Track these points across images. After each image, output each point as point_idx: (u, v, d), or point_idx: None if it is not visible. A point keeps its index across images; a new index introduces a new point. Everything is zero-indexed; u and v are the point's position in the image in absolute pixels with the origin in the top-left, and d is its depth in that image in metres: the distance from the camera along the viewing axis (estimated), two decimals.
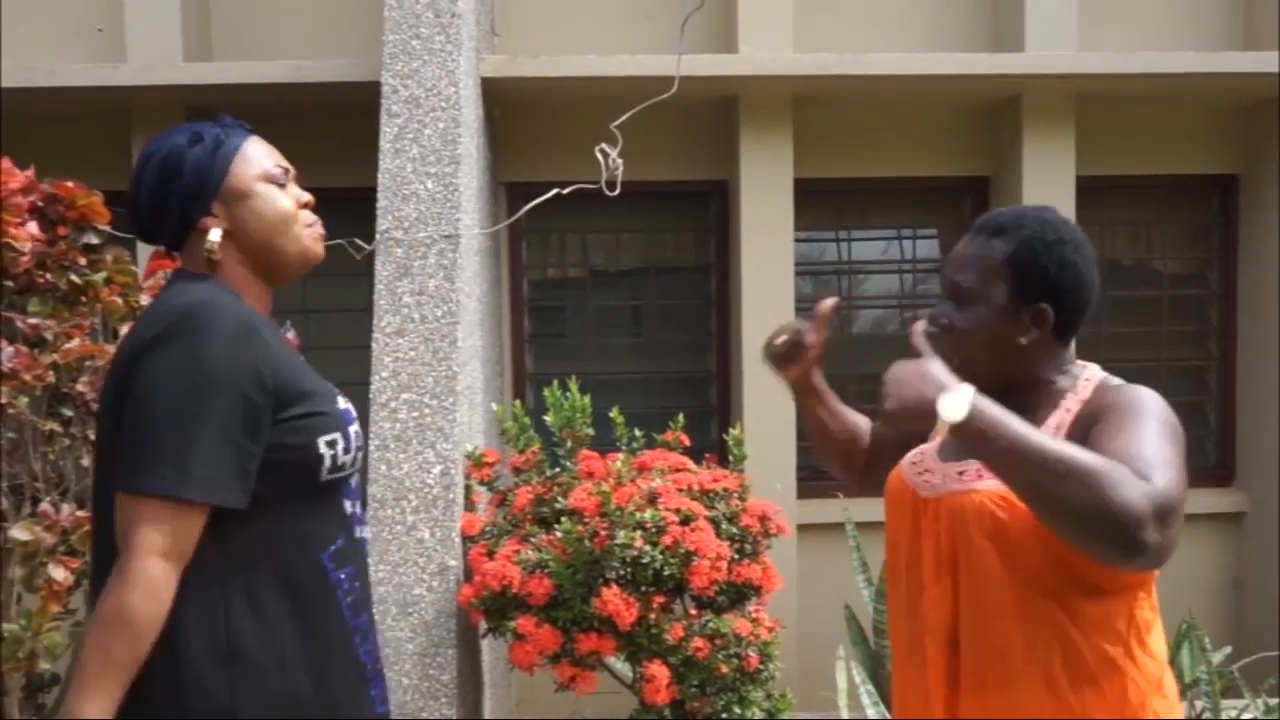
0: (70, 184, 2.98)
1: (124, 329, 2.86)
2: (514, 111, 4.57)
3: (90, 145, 4.41)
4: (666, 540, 2.98)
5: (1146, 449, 1.40)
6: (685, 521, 3.05)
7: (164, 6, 4.31)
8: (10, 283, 2.81)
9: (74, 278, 2.93)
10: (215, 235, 1.55)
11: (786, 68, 4.30)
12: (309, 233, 1.63)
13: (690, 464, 3.36)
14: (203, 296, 1.50)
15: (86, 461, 2.90)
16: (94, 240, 2.97)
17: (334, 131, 4.51)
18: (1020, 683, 1.52)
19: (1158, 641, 1.57)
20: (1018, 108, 4.52)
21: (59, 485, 3.00)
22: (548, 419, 3.31)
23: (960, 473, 1.60)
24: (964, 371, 1.59)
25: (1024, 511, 1.48)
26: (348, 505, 1.61)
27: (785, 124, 4.48)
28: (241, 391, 1.44)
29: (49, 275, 2.87)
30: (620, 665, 3.22)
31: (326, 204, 5.08)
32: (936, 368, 1.43)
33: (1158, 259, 5.02)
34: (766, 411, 4.38)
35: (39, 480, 2.94)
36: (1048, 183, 4.52)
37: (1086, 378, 1.61)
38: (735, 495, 3.28)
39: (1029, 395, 1.61)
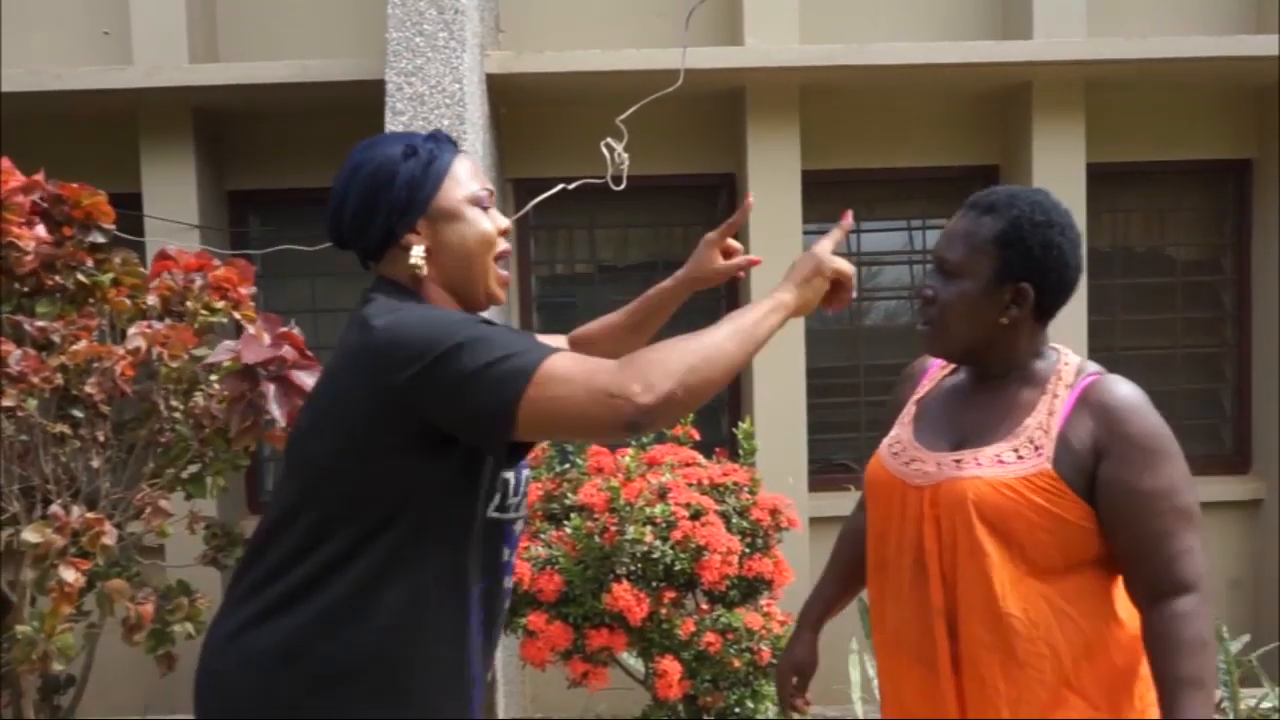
0: (75, 185, 3.00)
1: (132, 329, 2.87)
2: (520, 108, 4.56)
3: (98, 148, 4.42)
4: (677, 535, 2.98)
5: (1176, 534, 1.56)
6: (695, 516, 3.04)
7: (169, 9, 4.31)
8: (18, 285, 2.82)
9: (81, 278, 2.95)
10: (419, 251, 1.50)
11: (793, 59, 4.28)
12: (497, 272, 1.57)
13: (700, 458, 3.35)
14: (423, 307, 1.48)
15: (97, 463, 2.92)
16: (100, 240, 2.98)
17: (340, 130, 4.49)
18: (1026, 660, 1.57)
19: (1126, 606, 1.63)
20: (1027, 96, 4.49)
21: (70, 487, 3.01)
22: None
23: (957, 460, 1.63)
24: (945, 344, 1.68)
25: (1022, 497, 1.56)
26: (505, 551, 1.56)
27: (792, 116, 4.46)
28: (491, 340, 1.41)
29: (57, 277, 2.89)
30: (633, 661, 3.22)
31: None
32: None
33: (1171, 246, 4.97)
34: (777, 405, 4.36)
35: (49, 482, 2.95)
36: (1058, 171, 4.48)
37: (1065, 361, 1.66)
38: (746, 489, 3.27)
39: (1009, 377, 1.67)
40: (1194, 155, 4.77)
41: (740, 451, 3.43)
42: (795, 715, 2.02)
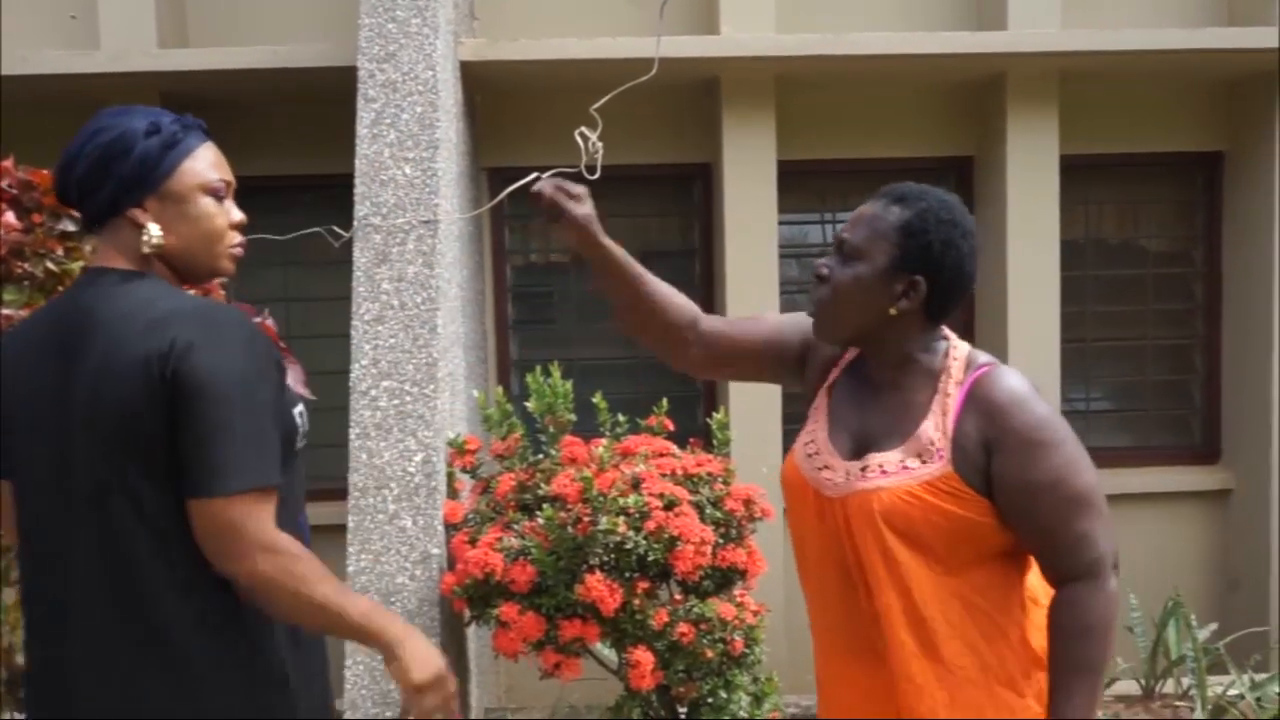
0: (45, 172, 2.94)
1: None
2: (495, 96, 4.52)
3: (64, 133, 4.32)
4: (650, 526, 2.96)
5: (1073, 520, 1.57)
6: (669, 506, 3.03)
7: None
8: None
9: (50, 266, 2.89)
10: (155, 230, 1.53)
11: (768, 48, 4.27)
12: (230, 252, 1.63)
13: (674, 449, 3.34)
14: (195, 298, 1.56)
15: None
16: (70, 228, 2.93)
17: (311, 118, 4.46)
18: (952, 662, 1.60)
19: (1033, 581, 1.68)
20: (1001, 86, 4.50)
21: None
22: (529, 405, 3.29)
23: (864, 469, 1.64)
24: (832, 327, 1.68)
25: (927, 502, 1.58)
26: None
27: (768, 105, 4.45)
28: (275, 378, 1.52)
29: (25, 264, 2.83)
30: (606, 651, 3.21)
31: (304, 191, 5.07)
32: None
33: (1143, 237, 5.01)
34: (751, 396, 4.36)
35: None
36: (1031, 162, 4.50)
37: (954, 356, 1.66)
38: (719, 479, 3.26)
39: (898, 370, 1.67)
40: (1166, 147, 4.81)
41: (714, 442, 3.42)
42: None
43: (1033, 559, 1.66)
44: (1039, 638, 1.63)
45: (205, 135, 1.61)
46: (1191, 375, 4.96)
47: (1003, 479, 1.56)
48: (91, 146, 1.54)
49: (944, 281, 1.61)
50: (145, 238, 1.53)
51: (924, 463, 1.59)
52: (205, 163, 1.58)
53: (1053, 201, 4.52)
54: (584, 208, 1.81)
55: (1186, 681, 3.98)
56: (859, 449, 1.67)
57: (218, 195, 1.59)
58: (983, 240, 4.70)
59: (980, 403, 1.59)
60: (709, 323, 1.88)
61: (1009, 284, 4.51)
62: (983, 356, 1.66)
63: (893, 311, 1.62)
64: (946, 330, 1.70)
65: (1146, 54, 4.31)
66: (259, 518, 1.43)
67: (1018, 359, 4.49)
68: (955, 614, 1.59)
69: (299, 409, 1.61)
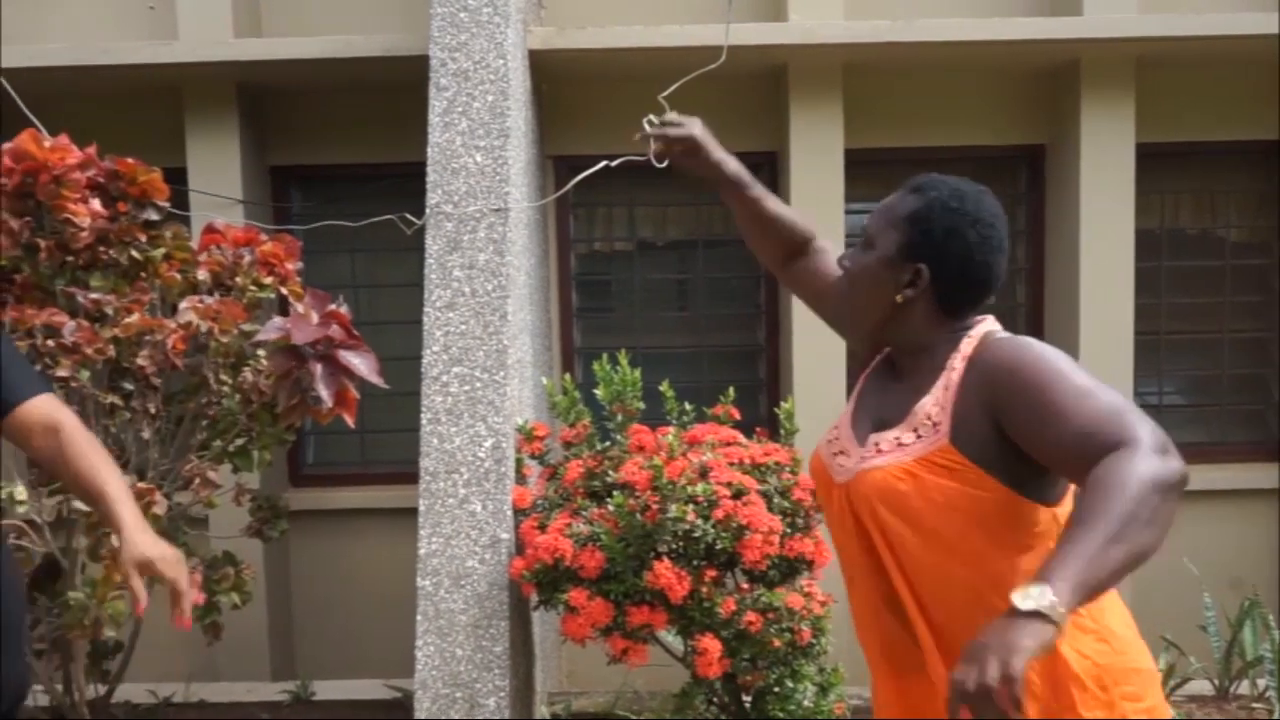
0: (130, 161, 3.02)
1: (183, 304, 2.90)
2: (561, 84, 4.54)
3: (143, 122, 4.46)
4: (718, 514, 2.97)
5: (1092, 413, 1.38)
6: (737, 495, 3.03)
7: None
8: (73, 258, 2.85)
9: (134, 253, 2.98)
10: None
11: (837, 35, 4.22)
12: None
13: (741, 438, 3.34)
14: None
15: (147, 434, 2.96)
16: (154, 216, 3.01)
17: (383, 106, 4.52)
18: (957, 649, 1.51)
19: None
20: (1075, 73, 4.41)
21: (120, 457, 3.06)
22: (598, 393, 3.31)
23: (864, 451, 1.63)
24: (851, 318, 1.71)
25: (920, 479, 1.52)
26: None
27: (835, 93, 4.41)
28: None
29: (110, 251, 2.92)
30: (671, 639, 3.22)
31: (372, 179, 5.15)
32: (992, 626, 1.26)
33: (1220, 228, 4.88)
34: (817, 385, 4.34)
35: None
36: (1106, 151, 4.41)
37: (971, 334, 1.61)
38: (787, 469, 3.25)
39: (916, 360, 1.64)
40: (1245, 135, 4.67)
41: (781, 431, 3.42)
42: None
43: None
44: (1074, 649, 1.51)
45: None
46: (1269, 369, 4.82)
47: (1019, 424, 1.45)
48: None
49: (950, 270, 1.59)
50: None
51: (921, 438, 1.55)
52: None
53: (1128, 191, 4.43)
54: (691, 129, 1.95)
55: (1263, 683, 3.89)
56: (874, 431, 1.65)
57: None
58: (1054, 230, 4.65)
59: (979, 368, 1.54)
60: (818, 247, 1.98)
61: (1081, 275, 4.43)
62: (1001, 333, 1.61)
63: (899, 299, 1.61)
64: (981, 319, 1.64)
65: (1226, 39, 4.19)
66: None
67: (1090, 351, 4.41)
68: (961, 602, 1.53)
69: None
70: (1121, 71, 4.38)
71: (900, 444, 1.57)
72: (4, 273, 2.82)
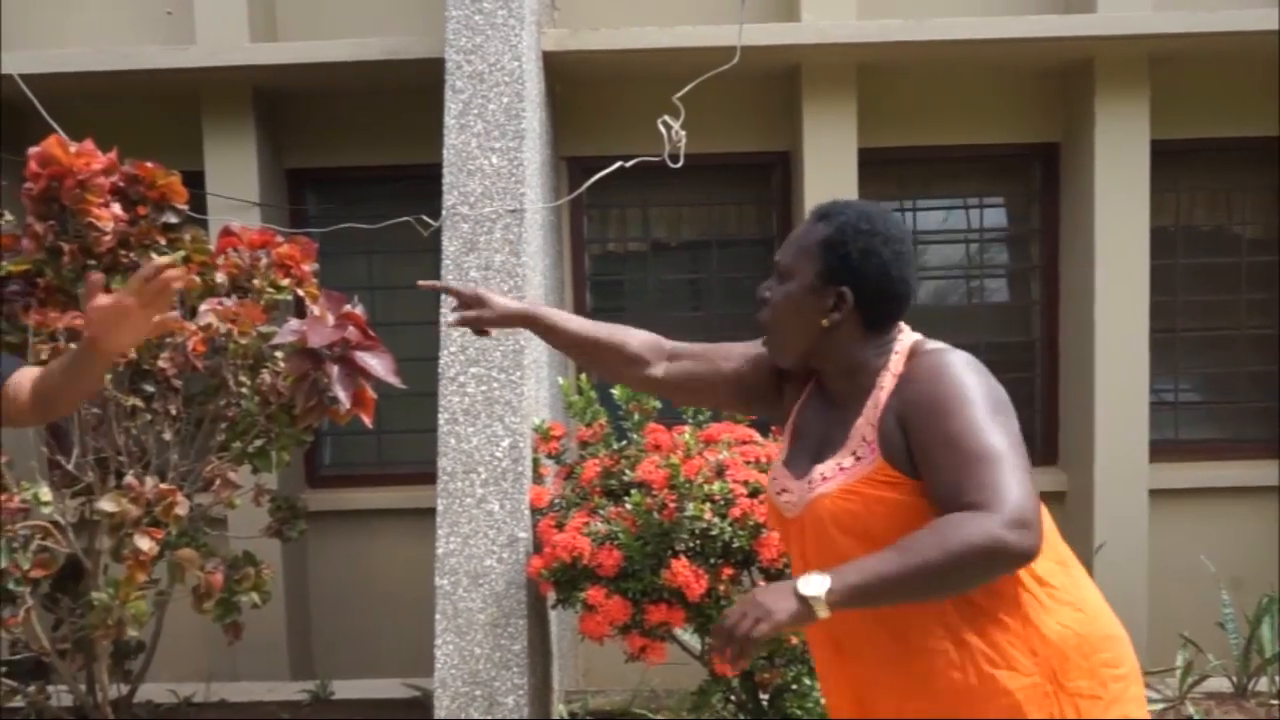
0: (150, 165, 3.05)
1: (203, 306, 2.93)
2: (574, 85, 4.56)
3: (160, 126, 4.49)
4: (735, 512, 2.98)
5: (974, 471, 1.45)
6: (754, 494, 3.05)
7: None
8: (94, 262, 2.88)
9: (155, 255, 3.00)
10: None
11: (850, 35, 4.23)
12: None
13: (757, 436, 3.35)
14: None
15: (168, 435, 2.98)
16: (173, 219, 3.04)
17: (398, 108, 4.55)
18: (922, 643, 1.57)
19: (1043, 563, 1.57)
20: (1090, 71, 4.40)
21: (140, 458, 3.09)
22: (614, 392, 3.32)
23: (809, 482, 1.66)
24: (778, 347, 1.74)
25: (867, 495, 1.57)
26: None
27: (849, 92, 4.42)
28: None
29: (131, 254, 2.95)
30: (688, 637, 3.24)
31: (386, 181, 5.17)
32: (772, 587, 1.45)
33: (1236, 225, 4.86)
34: None
35: (121, 454, 3.03)
36: (1121, 148, 4.40)
37: (898, 349, 1.66)
38: None
39: (851, 379, 1.68)
40: (1260, 132, 4.65)
41: None
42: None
43: (1046, 544, 1.56)
44: (1050, 617, 1.56)
45: None
46: None
47: (914, 441, 1.54)
48: None
49: (870, 289, 1.64)
50: None
51: (860, 459, 1.61)
52: None
53: (1142, 189, 4.42)
54: (494, 309, 1.90)
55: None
56: (813, 462, 1.69)
57: None
58: (1069, 228, 4.65)
59: (903, 383, 1.60)
60: (683, 349, 1.97)
61: (1096, 272, 4.42)
62: (930, 343, 1.67)
63: (825, 323, 1.65)
64: (902, 330, 1.70)
65: (1241, 35, 4.18)
66: None
67: (1105, 349, 4.40)
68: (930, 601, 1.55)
69: None
70: (1135, 69, 4.38)
71: (841, 468, 1.63)
72: (28, 276, 2.85)
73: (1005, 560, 1.43)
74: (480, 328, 1.94)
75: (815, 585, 1.40)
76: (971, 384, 1.55)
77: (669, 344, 1.99)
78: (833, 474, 1.63)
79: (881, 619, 1.59)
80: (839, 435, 1.66)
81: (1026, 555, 1.43)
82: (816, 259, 1.65)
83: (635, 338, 1.98)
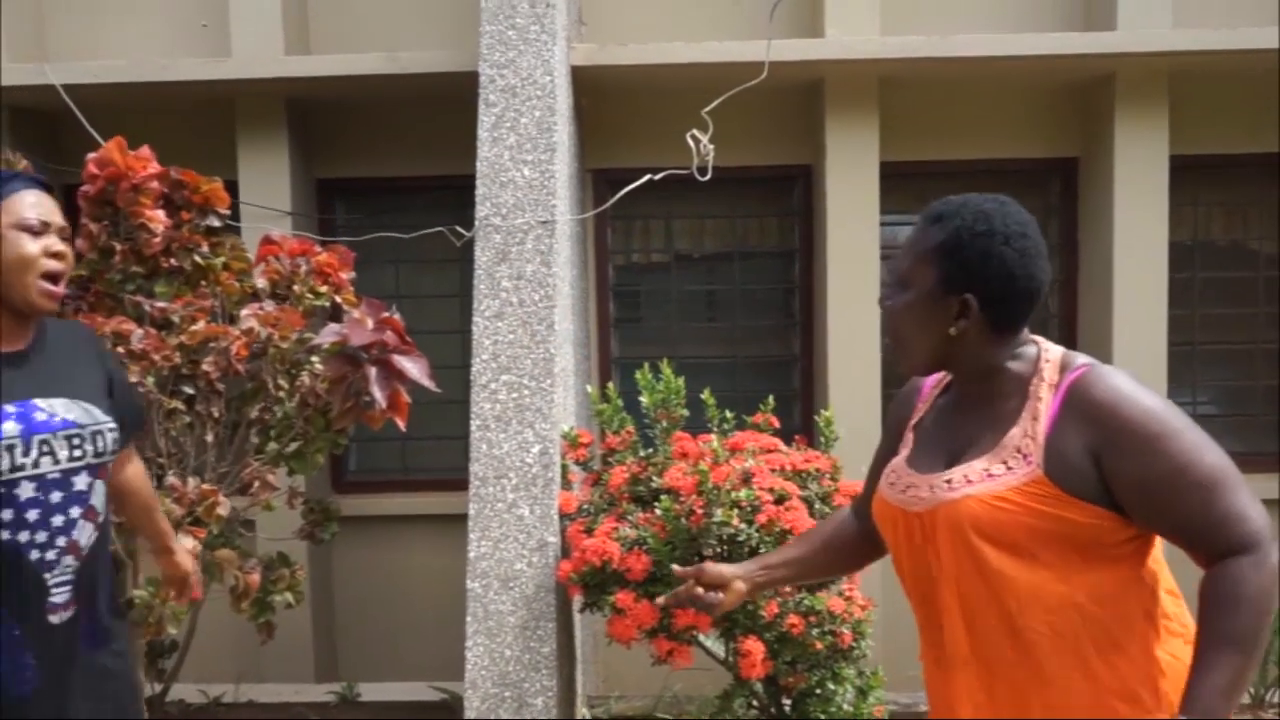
0: (192, 171, 3.14)
1: (244, 311, 3.00)
2: (600, 99, 4.63)
3: (195, 135, 4.58)
4: (761, 519, 3.04)
5: (1213, 503, 1.48)
6: (780, 501, 3.10)
7: (265, 2, 4.45)
8: (139, 267, 2.96)
9: (198, 259, 3.08)
10: None
11: (874, 51, 4.30)
12: (39, 285, 1.89)
13: (781, 445, 3.41)
14: None
15: (210, 438, 3.05)
16: (215, 224, 3.12)
17: (428, 120, 4.63)
18: (1054, 671, 1.56)
19: (1162, 593, 1.60)
20: (1110, 87, 4.46)
21: (180, 461, 3.16)
22: (643, 400, 3.38)
23: (948, 481, 1.62)
24: (905, 357, 1.69)
25: (1019, 505, 1.54)
26: (5, 512, 1.84)
27: (871, 107, 4.48)
28: None
29: (174, 259, 3.03)
30: (711, 643, 3.29)
31: (417, 191, 5.22)
32: None
33: (1254, 239, 4.90)
34: (852, 395, 4.40)
35: (162, 455, 3.10)
36: (1140, 163, 4.45)
37: (1046, 359, 1.61)
38: (827, 475, 3.32)
39: (988, 383, 1.64)
40: (1278, 148, 4.70)
41: (822, 439, 3.48)
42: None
43: (1162, 572, 1.61)
44: (1165, 650, 1.56)
45: (34, 183, 1.93)
46: None
47: (1123, 480, 1.50)
48: None
49: (995, 293, 1.57)
50: None
51: (1011, 469, 1.56)
52: (22, 205, 1.88)
53: (1161, 203, 4.47)
54: (730, 595, 1.90)
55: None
56: (950, 463, 1.64)
57: (31, 230, 1.88)
58: (1088, 242, 4.70)
59: (1080, 407, 1.53)
60: (863, 520, 1.95)
61: (1115, 286, 4.47)
62: (1080, 358, 1.60)
63: (952, 332, 1.59)
64: (1034, 336, 1.66)
65: (1259, 53, 4.23)
66: None
67: (1123, 362, 4.44)
68: (1066, 622, 1.54)
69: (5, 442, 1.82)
70: (1155, 85, 4.43)
71: (989, 474, 1.57)
72: (81, 281, 2.93)
73: None
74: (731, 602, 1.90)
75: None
76: (1162, 406, 1.53)
77: (855, 515, 2.01)
78: (979, 478, 1.58)
79: (1027, 647, 1.57)
80: (982, 439, 1.62)
81: None
82: (935, 266, 1.58)
83: (849, 522, 2.00)
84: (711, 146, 3.65)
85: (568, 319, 3.79)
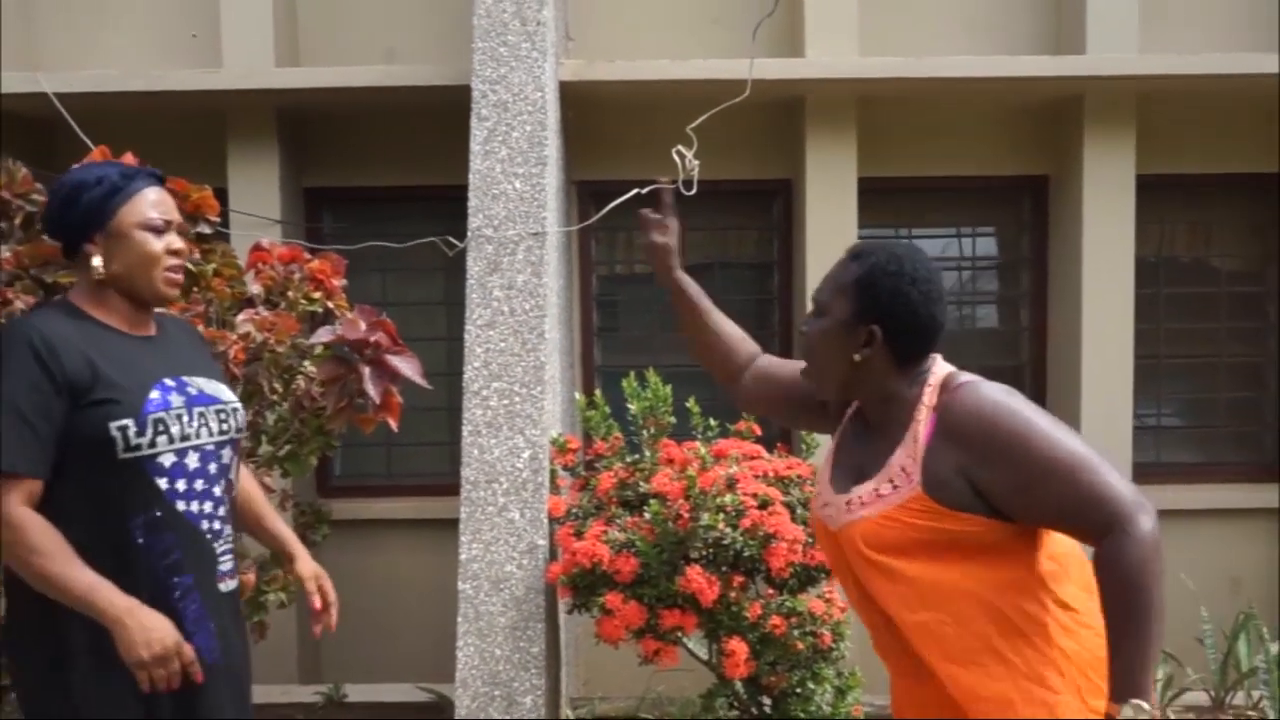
0: (182, 180, 3.19)
1: (241, 316, 3.06)
2: (586, 112, 4.73)
3: (185, 144, 4.63)
4: (745, 523, 3.14)
5: (1077, 479, 1.60)
6: (763, 506, 3.20)
7: (257, 14, 4.52)
8: None
9: (190, 267, 3.13)
10: (98, 262, 1.93)
11: (853, 71, 4.43)
12: (165, 276, 1.98)
13: (764, 452, 3.51)
14: (27, 317, 1.95)
15: None
16: (206, 231, 3.17)
17: (415, 131, 4.71)
18: (971, 659, 1.71)
19: (1068, 587, 1.74)
20: (1079, 108, 4.62)
21: None
22: (631, 407, 3.47)
23: (848, 503, 1.81)
24: (817, 379, 1.88)
25: (903, 522, 1.71)
26: (161, 481, 1.89)
27: (849, 124, 4.61)
28: (30, 382, 1.80)
29: None
30: (694, 644, 3.38)
31: (406, 201, 5.27)
32: None
33: (1215, 256, 5.08)
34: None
35: None
36: (1107, 182, 4.61)
37: (931, 381, 1.78)
38: (808, 481, 3.42)
39: (886, 409, 1.81)
40: (1241, 169, 4.88)
41: (802, 446, 3.59)
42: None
43: (1072, 568, 1.75)
44: (1071, 640, 1.69)
45: (155, 180, 2.00)
46: (1263, 392, 5.01)
47: (996, 489, 1.66)
48: (55, 196, 1.95)
49: (900, 326, 1.75)
50: (95, 266, 1.92)
51: (897, 488, 1.72)
52: (146, 204, 1.95)
53: (1128, 220, 4.63)
54: (663, 238, 2.20)
55: (1257, 694, 4.05)
56: (853, 482, 1.81)
57: (155, 229, 1.96)
58: (1057, 258, 4.85)
59: (946, 427, 1.69)
60: (762, 363, 2.19)
61: (1083, 300, 4.62)
62: (961, 377, 1.76)
63: (856, 358, 1.76)
64: (935, 361, 1.81)
65: (1222, 78, 4.40)
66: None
67: (1091, 375, 4.60)
68: (968, 611, 1.68)
69: (122, 423, 1.85)
70: (1123, 107, 4.60)
71: (879, 494, 1.74)
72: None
73: (1159, 544, 1.58)
74: (658, 258, 2.20)
75: (1147, 711, 1.53)
76: (1019, 408, 1.68)
77: (762, 358, 2.19)
78: (870, 499, 1.75)
79: (939, 638, 1.71)
80: (876, 462, 1.78)
81: (1158, 538, 1.59)
82: (849, 298, 1.76)
83: (749, 347, 2.21)
84: (697, 162, 3.75)
85: (556, 328, 3.88)
